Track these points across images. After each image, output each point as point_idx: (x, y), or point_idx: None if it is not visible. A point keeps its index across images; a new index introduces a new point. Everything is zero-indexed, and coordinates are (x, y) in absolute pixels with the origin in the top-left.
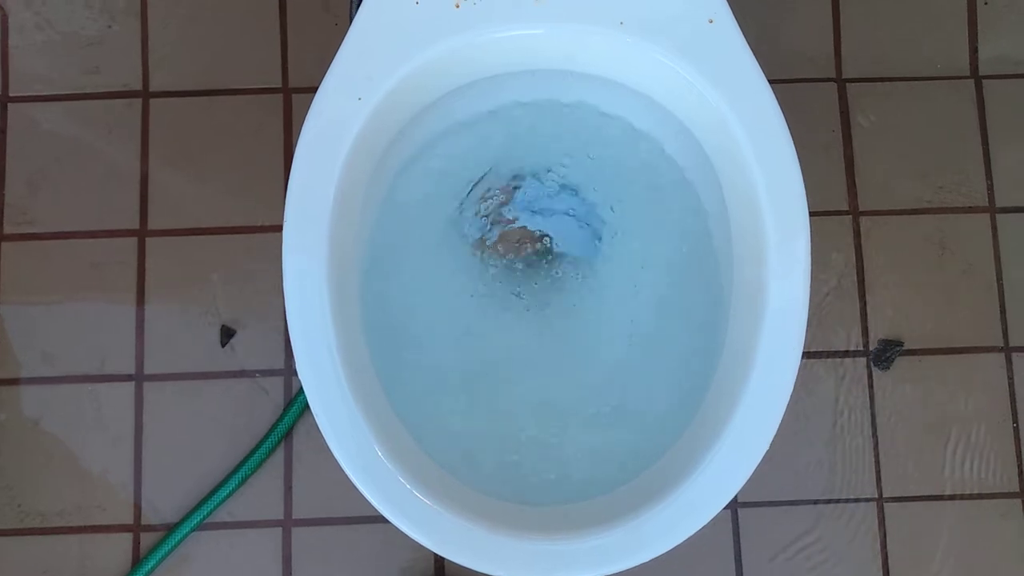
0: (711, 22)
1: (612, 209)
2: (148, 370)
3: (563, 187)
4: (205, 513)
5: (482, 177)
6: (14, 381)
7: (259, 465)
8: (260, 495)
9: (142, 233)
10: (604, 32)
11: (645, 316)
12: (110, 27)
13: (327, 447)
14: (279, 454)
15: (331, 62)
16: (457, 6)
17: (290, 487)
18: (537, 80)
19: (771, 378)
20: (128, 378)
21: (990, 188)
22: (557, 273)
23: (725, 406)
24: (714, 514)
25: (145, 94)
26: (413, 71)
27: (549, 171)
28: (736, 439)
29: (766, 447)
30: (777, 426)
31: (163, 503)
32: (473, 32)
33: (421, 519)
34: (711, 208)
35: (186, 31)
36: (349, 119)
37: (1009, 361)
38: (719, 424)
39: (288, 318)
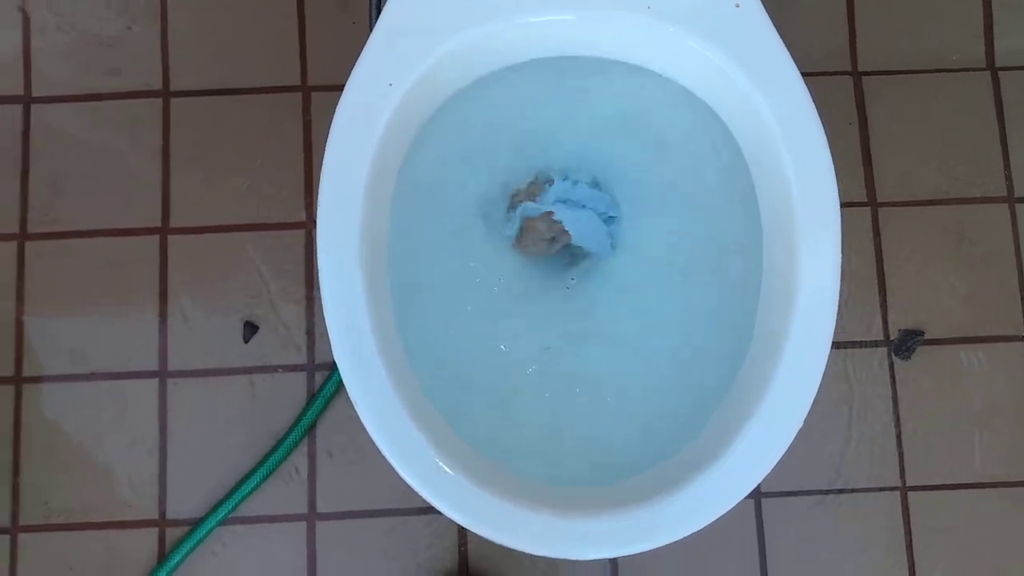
0: (738, 7)
1: (636, 198)
2: (172, 367)
3: (591, 181)
4: (230, 508)
5: (510, 166)
6: (39, 379)
7: (283, 460)
8: (284, 489)
9: (164, 231)
10: (633, 17)
11: (673, 305)
12: (130, 28)
13: (350, 442)
14: (302, 449)
15: (360, 51)
16: None
17: (314, 481)
18: (566, 66)
19: (800, 367)
20: (152, 375)
21: (1008, 178)
22: (582, 263)
23: (753, 394)
24: (736, 501)
25: (166, 94)
26: (442, 57)
27: (577, 162)
28: (763, 427)
29: (792, 436)
30: (804, 416)
31: (188, 499)
32: (503, 18)
33: (458, 499)
34: (740, 196)
35: (205, 31)
36: (380, 105)
37: None
38: (746, 412)
39: (326, 310)
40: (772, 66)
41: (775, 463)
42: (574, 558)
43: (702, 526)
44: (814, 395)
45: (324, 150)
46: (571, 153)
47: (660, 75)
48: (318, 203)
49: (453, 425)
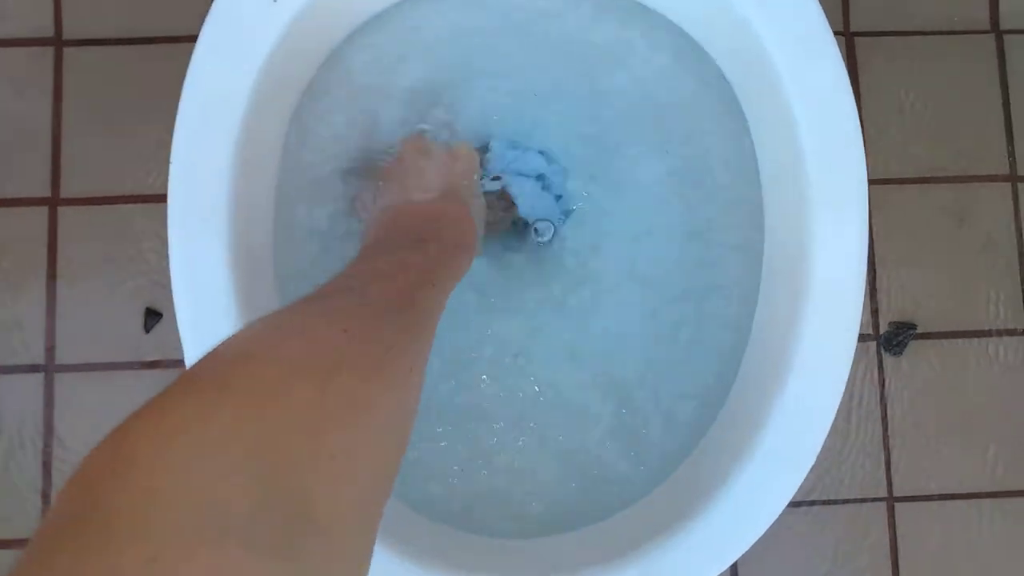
0: None
1: (605, 162)
2: (60, 360)
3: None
4: None
5: (435, 108)
6: None
7: None
8: None
9: (54, 201)
10: None
11: (652, 294)
12: None
13: None
14: None
15: None
16: None
17: None
18: None
19: (817, 371)
20: (35, 369)
21: (1011, 154)
22: (543, 243)
23: (752, 415)
24: (731, 562)
25: (58, 42)
26: None
27: (515, 117)
28: (768, 457)
29: (807, 470)
30: (824, 437)
31: None
32: None
33: None
34: (733, 159)
35: None
36: (260, 30)
37: None
38: (746, 436)
39: (180, 327)
40: None
41: (780, 510)
42: None
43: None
44: (836, 408)
45: (178, 110)
46: (506, 105)
47: (643, 4)
48: (170, 182)
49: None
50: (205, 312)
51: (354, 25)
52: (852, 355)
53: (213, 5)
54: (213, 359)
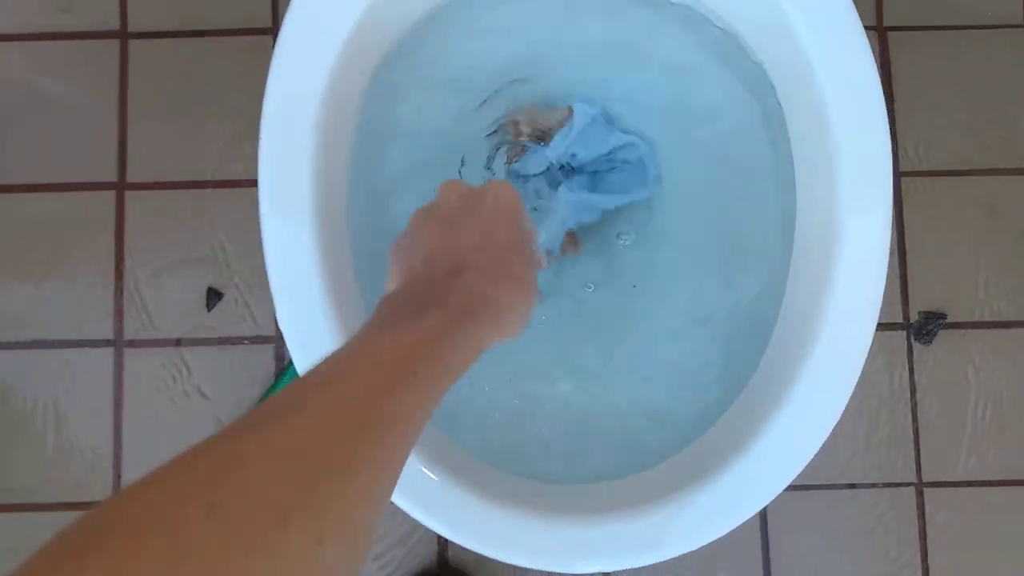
0: None
1: (650, 145)
2: (128, 335)
3: (607, 119)
4: None
5: (495, 100)
6: None
7: None
8: None
9: (120, 186)
10: None
11: (691, 267)
12: None
13: None
14: None
15: None
16: None
17: None
18: None
19: (839, 345)
20: (107, 343)
21: None
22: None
23: (780, 377)
24: (767, 501)
25: (123, 35)
26: None
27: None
28: (792, 419)
29: (823, 438)
30: (843, 407)
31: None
32: None
33: (434, 503)
34: (772, 160)
35: None
36: (340, 15)
37: None
38: (773, 400)
39: (274, 294)
40: None
41: (808, 461)
42: (565, 571)
43: (720, 534)
44: (849, 394)
45: (264, 99)
46: (566, 84)
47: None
48: (260, 155)
49: (436, 422)
50: (300, 297)
51: (419, 17)
52: (875, 325)
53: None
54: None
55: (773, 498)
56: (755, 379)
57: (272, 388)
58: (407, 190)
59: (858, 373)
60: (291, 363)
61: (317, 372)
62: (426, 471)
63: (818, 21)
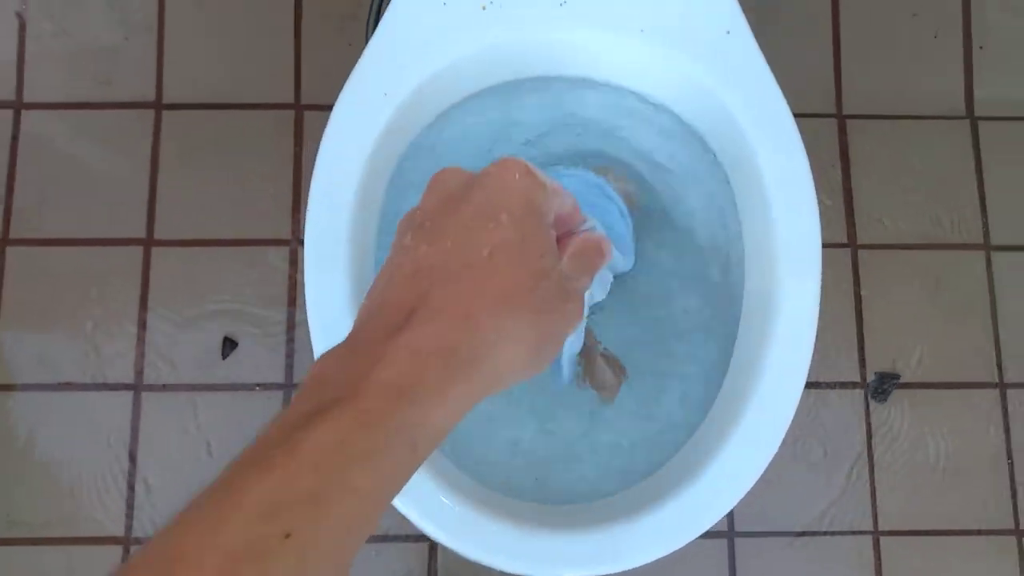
0: (728, 33)
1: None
2: (147, 380)
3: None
4: None
5: None
6: (9, 387)
7: None
8: None
9: (148, 243)
10: (625, 39)
11: (661, 322)
12: (126, 39)
13: None
14: None
15: (359, 59)
16: (483, 8)
17: None
18: (561, 85)
19: (774, 401)
20: (127, 387)
21: (985, 225)
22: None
23: (725, 427)
24: (708, 526)
25: (158, 106)
26: (439, 70)
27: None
28: (737, 451)
29: (762, 469)
30: (773, 453)
31: (156, 515)
32: (497, 34)
33: (441, 516)
34: (728, 221)
35: (202, 46)
36: (375, 112)
37: (1004, 397)
38: (722, 436)
39: (312, 330)
40: (759, 89)
41: (746, 491)
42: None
43: (673, 549)
44: (784, 431)
45: (315, 165)
46: (560, 166)
47: (651, 97)
48: (308, 208)
49: (450, 456)
50: (332, 330)
51: (445, 107)
52: (806, 372)
53: (341, 93)
54: None
55: (715, 522)
56: (704, 424)
57: None
58: None
59: (790, 418)
60: None
61: (161, 544)
62: (443, 499)
63: (759, 118)
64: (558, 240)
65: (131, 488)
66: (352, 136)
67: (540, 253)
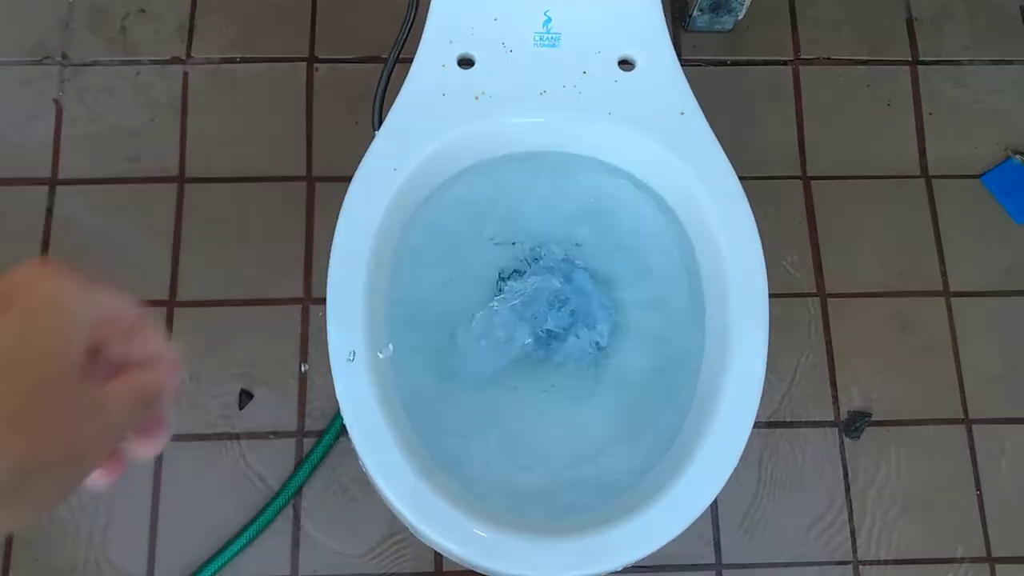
0: (682, 114)
1: (606, 282)
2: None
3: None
4: (215, 569)
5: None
6: None
7: (269, 522)
8: (269, 551)
9: (171, 303)
10: (595, 121)
11: (629, 373)
12: (153, 120)
13: (332, 506)
14: (288, 512)
15: (362, 147)
16: (476, 98)
17: (297, 543)
18: (540, 161)
19: (728, 435)
20: None
21: (944, 273)
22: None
23: (686, 454)
24: (675, 534)
25: (181, 179)
26: (439, 148)
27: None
28: (693, 481)
29: (720, 488)
30: (727, 476)
31: (176, 559)
32: (489, 119)
33: (446, 525)
34: (690, 274)
35: (222, 126)
36: (387, 183)
37: (970, 432)
38: (683, 466)
39: (334, 370)
40: (708, 158)
41: (707, 505)
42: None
43: (648, 552)
44: (739, 456)
45: (324, 233)
46: (544, 232)
47: (620, 169)
48: (330, 265)
49: (456, 477)
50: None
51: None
52: (755, 411)
53: (359, 168)
54: None
55: (673, 538)
56: (666, 457)
57: (293, 475)
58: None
59: (741, 450)
60: (308, 454)
61: None
62: (450, 508)
63: (714, 191)
64: (120, 369)
65: (153, 535)
66: (367, 201)
67: (49, 357)
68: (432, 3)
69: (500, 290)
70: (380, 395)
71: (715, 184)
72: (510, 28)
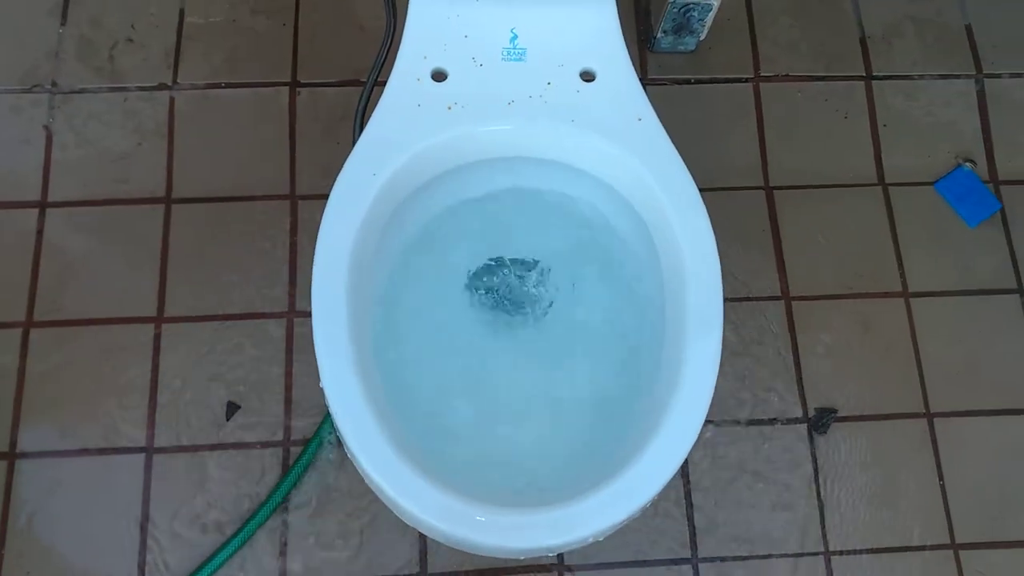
0: (640, 120)
1: (570, 282)
2: (158, 443)
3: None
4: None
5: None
6: (31, 455)
7: (256, 530)
8: (257, 558)
9: (159, 320)
10: (559, 127)
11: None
12: (140, 144)
13: (320, 513)
14: (275, 520)
15: (344, 163)
16: (449, 108)
17: (284, 551)
18: (509, 165)
19: (687, 412)
20: (140, 450)
21: (902, 276)
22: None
23: (647, 432)
24: (640, 505)
25: (168, 200)
26: (415, 155)
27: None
28: (646, 468)
29: (680, 462)
30: (687, 452)
31: (165, 570)
32: (461, 127)
33: (424, 498)
34: (650, 270)
35: (207, 148)
36: (367, 187)
37: (931, 425)
38: (644, 442)
39: (320, 363)
40: (664, 160)
41: (670, 477)
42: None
43: (620, 520)
44: (693, 440)
45: (307, 248)
46: (516, 230)
47: (583, 171)
48: (315, 262)
49: (436, 457)
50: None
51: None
52: (710, 399)
53: (338, 177)
54: None
55: (637, 511)
56: (624, 441)
57: (279, 484)
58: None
59: (695, 437)
60: (294, 464)
61: None
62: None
63: (668, 187)
64: None
65: (143, 543)
66: (348, 204)
67: None
68: (408, 22)
69: (471, 285)
70: (366, 392)
71: (670, 181)
72: (480, 44)
